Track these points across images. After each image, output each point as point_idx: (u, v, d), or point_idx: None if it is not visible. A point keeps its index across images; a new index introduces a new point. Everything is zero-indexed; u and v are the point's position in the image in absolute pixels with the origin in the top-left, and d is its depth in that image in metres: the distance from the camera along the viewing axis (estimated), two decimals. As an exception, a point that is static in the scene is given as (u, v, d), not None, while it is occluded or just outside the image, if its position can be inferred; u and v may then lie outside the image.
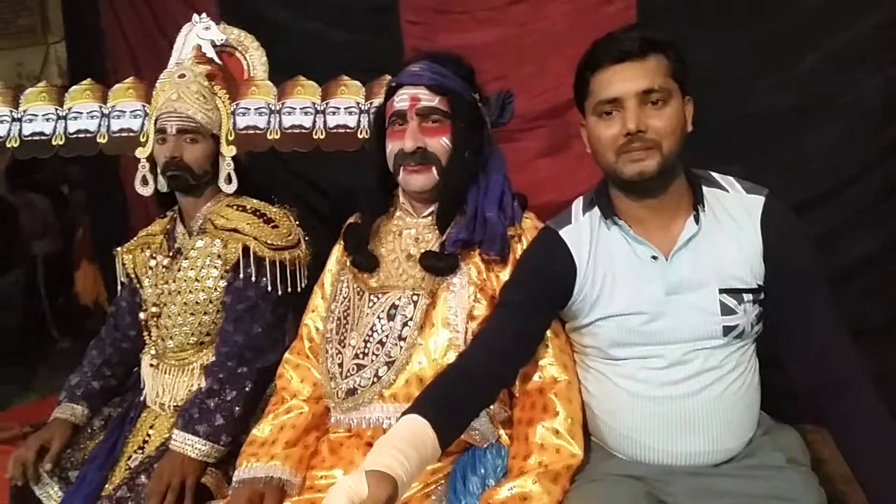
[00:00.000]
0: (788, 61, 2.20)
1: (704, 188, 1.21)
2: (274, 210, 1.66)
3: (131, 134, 1.70)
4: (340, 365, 1.37)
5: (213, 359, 1.55)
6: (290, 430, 1.38)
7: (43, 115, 1.73)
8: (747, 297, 1.17)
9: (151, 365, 1.66)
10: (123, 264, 1.74)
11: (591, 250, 1.23)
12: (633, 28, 1.17)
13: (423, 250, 1.36)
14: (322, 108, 1.72)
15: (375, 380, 1.31)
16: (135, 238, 1.76)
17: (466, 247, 1.33)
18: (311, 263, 1.66)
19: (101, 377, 1.70)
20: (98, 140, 1.72)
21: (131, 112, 1.72)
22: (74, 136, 1.73)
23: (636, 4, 2.24)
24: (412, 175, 1.35)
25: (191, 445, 1.43)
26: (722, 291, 1.16)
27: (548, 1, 2.39)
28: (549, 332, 1.29)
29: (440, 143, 1.34)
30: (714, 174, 1.25)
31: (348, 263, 1.44)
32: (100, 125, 1.72)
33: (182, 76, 1.64)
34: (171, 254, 1.66)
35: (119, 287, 1.77)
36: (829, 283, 1.18)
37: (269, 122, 1.71)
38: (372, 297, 1.38)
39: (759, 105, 2.20)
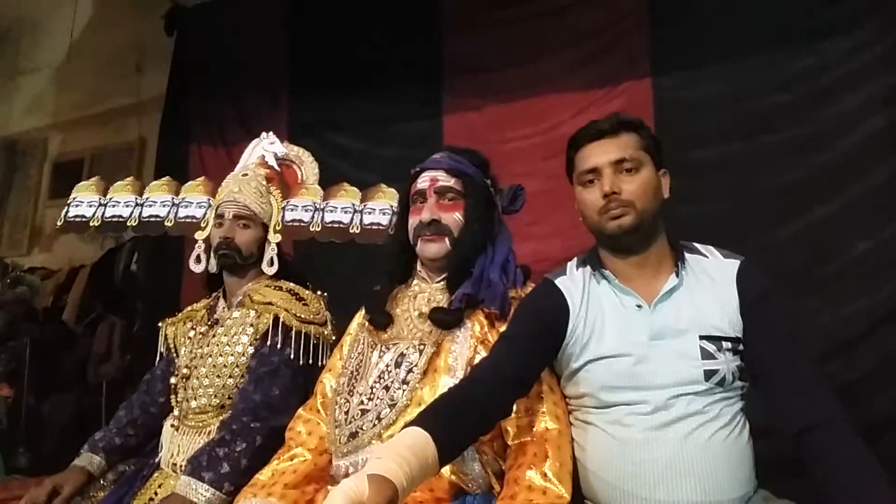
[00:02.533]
0: (803, 210, 2.36)
1: (686, 254, 1.34)
2: (307, 293, 1.83)
3: (194, 220, 1.95)
4: (346, 413, 1.44)
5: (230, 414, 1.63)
6: (291, 474, 1.42)
7: (124, 202, 2.02)
8: (726, 344, 1.24)
9: (172, 426, 1.73)
10: (166, 336, 1.90)
11: (583, 297, 1.34)
12: (611, 115, 1.39)
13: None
14: (360, 209, 1.95)
15: (377, 421, 1.37)
16: (181, 313, 1.94)
17: (471, 302, 1.44)
18: (333, 344, 1.78)
19: (124, 435, 1.78)
20: (165, 223, 1.97)
21: (197, 203, 1.98)
22: (147, 219, 1.99)
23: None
24: (427, 244, 1.52)
25: (194, 490, 1.46)
26: (702, 338, 1.24)
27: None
28: (544, 387, 1.36)
29: (453, 218, 1.52)
30: (696, 244, 1.38)
31: (366, 323, 1.56)
32: (169, 212, 1.99)
33: (245, 175, 1.92)
34: (209, 323, 1.82)
35: (158, 358, 1.92)
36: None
37: (312, 217, 1.94)
38: (382, 348, 1.48)
39: (774, 254, 2.34)
